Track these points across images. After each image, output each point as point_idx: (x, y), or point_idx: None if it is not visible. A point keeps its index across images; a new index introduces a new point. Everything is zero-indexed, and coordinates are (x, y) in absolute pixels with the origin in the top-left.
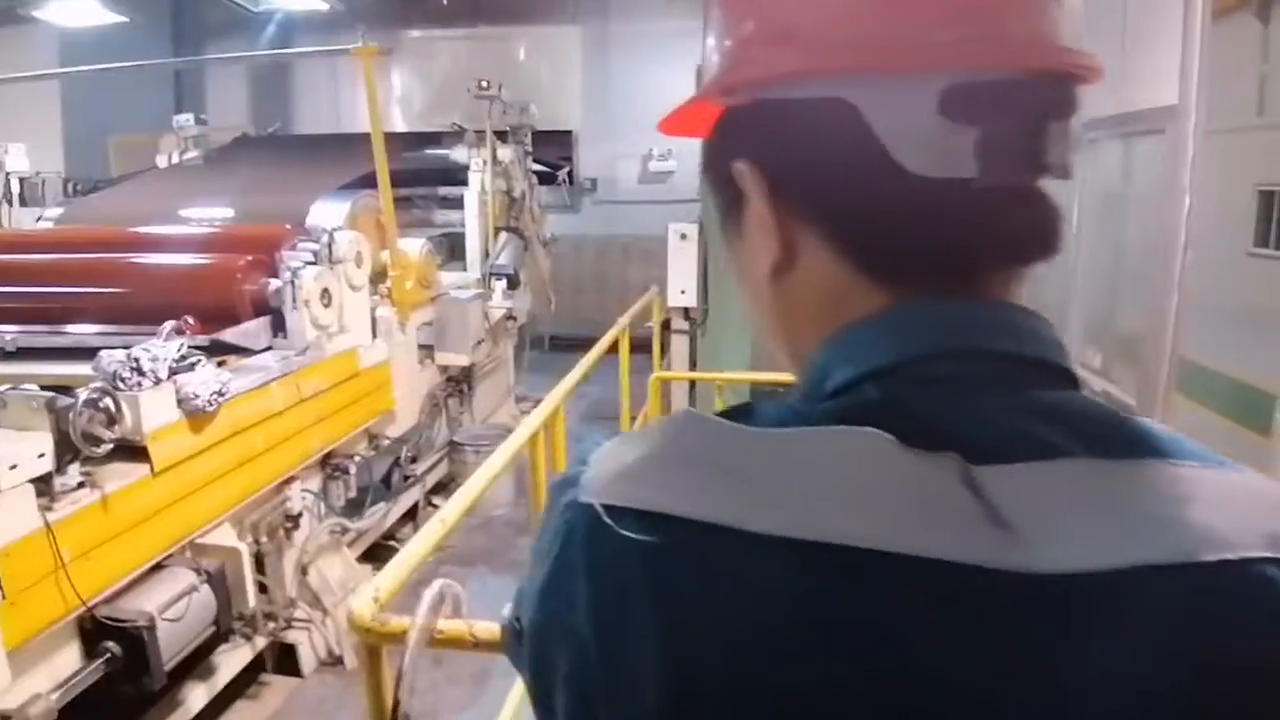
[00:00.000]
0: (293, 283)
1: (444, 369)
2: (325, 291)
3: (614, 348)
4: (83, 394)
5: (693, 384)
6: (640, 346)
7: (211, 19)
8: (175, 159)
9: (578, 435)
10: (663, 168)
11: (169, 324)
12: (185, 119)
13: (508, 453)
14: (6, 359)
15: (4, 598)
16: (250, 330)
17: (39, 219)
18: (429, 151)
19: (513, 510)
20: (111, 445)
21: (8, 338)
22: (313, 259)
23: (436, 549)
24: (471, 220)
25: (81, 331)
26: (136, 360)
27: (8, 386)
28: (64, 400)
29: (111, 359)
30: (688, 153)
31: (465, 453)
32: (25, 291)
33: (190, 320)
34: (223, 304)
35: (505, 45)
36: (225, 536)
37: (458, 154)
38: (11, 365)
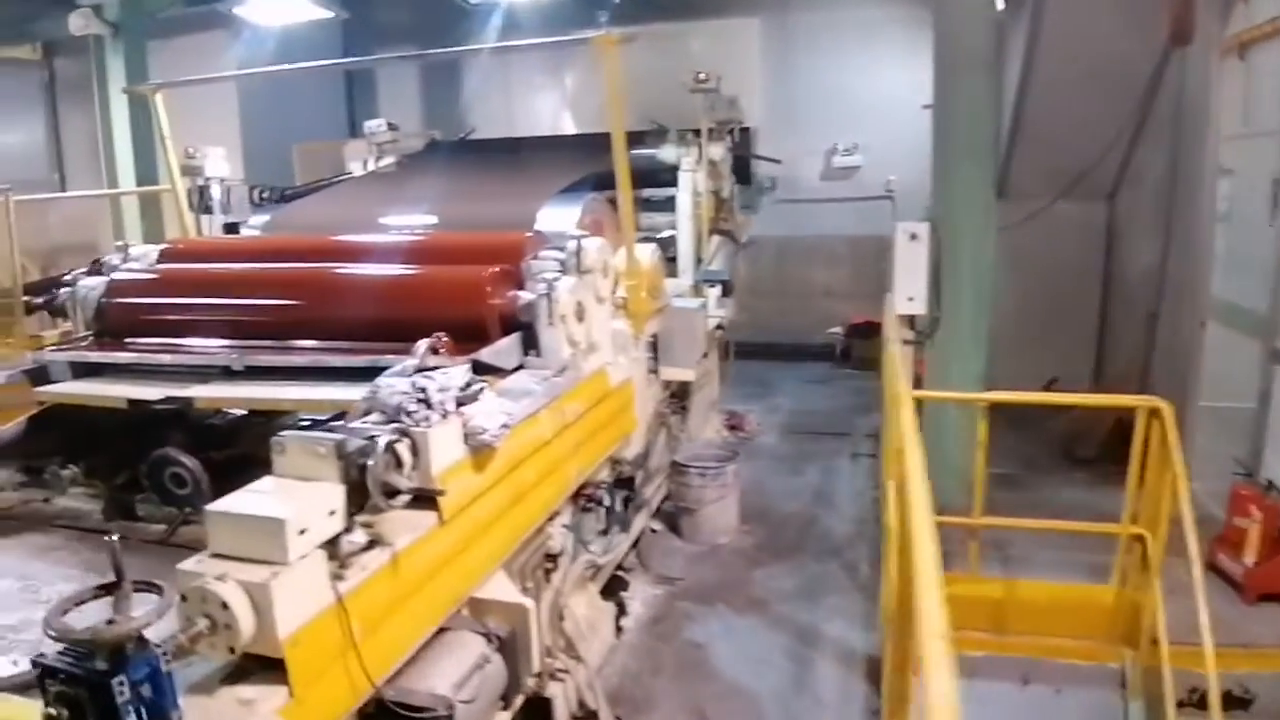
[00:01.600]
0: (548, 296)
1: (667, 384)
2: (579, 305)
3: (805, 354)
4: (381, 436)
5: (919, 402)
6: (819, 355)
7: (387, 20)
8: (371, 165)
9: (790, 456)
10: (848, 163)
11: (424, 343)
12: (378, 124)
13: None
14: (232, 379)
15: (291, 695)
16: (503, 349)
17: (239, 226)
18: (633, 151)
19: (738, 537)
20: (410, 495)
21: (233, 355)
22: (559, 269)
23: None
24: (684, 223)
25: (313, 348)
26: (423, 390)
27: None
28: (354, 443)
29: (392, 389)
30: (877, 145)
31: (690, 475)
32: (246, 304)
33: (444, 338)
34: (471, 319)
35: (680, 40)
36: (503, 589)
37: (665, 153)
38: (238, 386)
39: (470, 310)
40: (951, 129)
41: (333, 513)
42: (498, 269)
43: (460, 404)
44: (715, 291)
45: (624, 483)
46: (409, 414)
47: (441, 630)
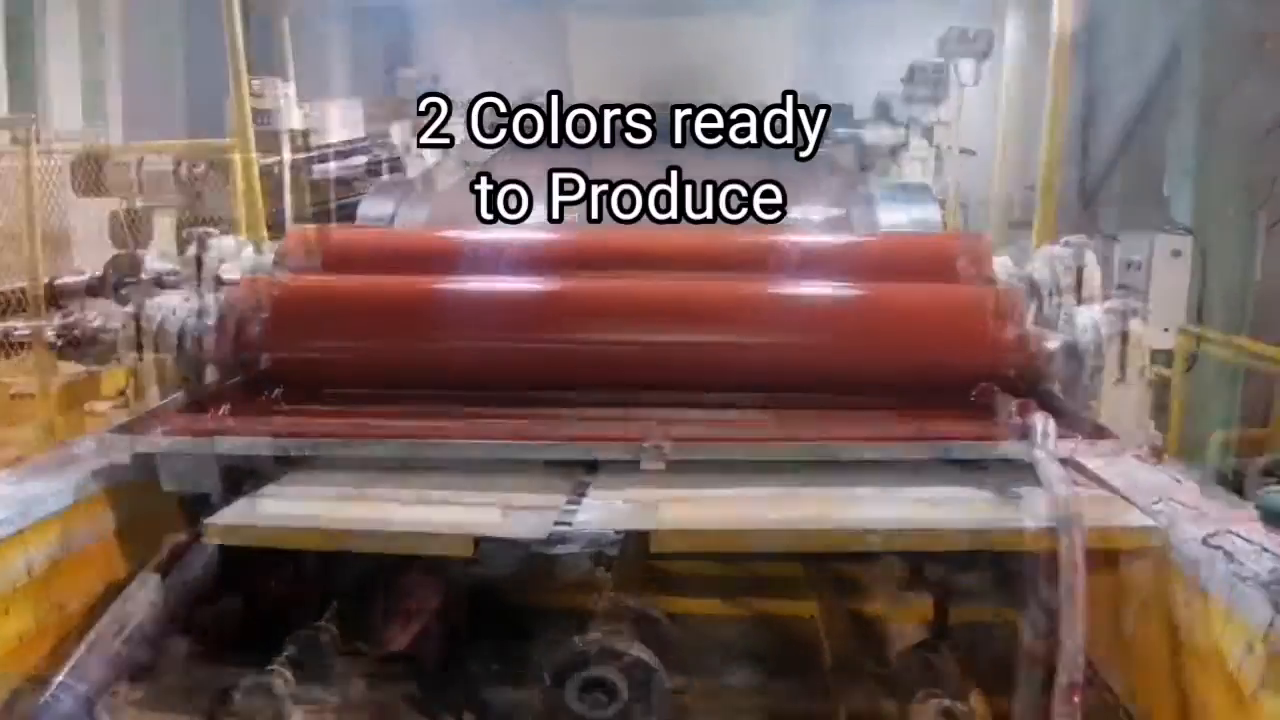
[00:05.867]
0: (1123, 337)
1: None
2: None
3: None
4: None
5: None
6: None
7: None
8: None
9: None
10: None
11: (1044, 418)
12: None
13: None
14: (660, 483)
15: None
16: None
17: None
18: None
19: None
20: None
21: (649, 443)
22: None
23: None
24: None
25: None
26: None
27: None
28: None
29: None
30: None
31: None
32: (578, 342)
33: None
34: (971, 368)
35: (699, 30)
36: None
37: (881, 134)
38: (681, 500)
39: (976, 353)
40: (1213, 123)
41: None
42: (994, 291)
43: None
44: None
45: None
46: None
47: None
